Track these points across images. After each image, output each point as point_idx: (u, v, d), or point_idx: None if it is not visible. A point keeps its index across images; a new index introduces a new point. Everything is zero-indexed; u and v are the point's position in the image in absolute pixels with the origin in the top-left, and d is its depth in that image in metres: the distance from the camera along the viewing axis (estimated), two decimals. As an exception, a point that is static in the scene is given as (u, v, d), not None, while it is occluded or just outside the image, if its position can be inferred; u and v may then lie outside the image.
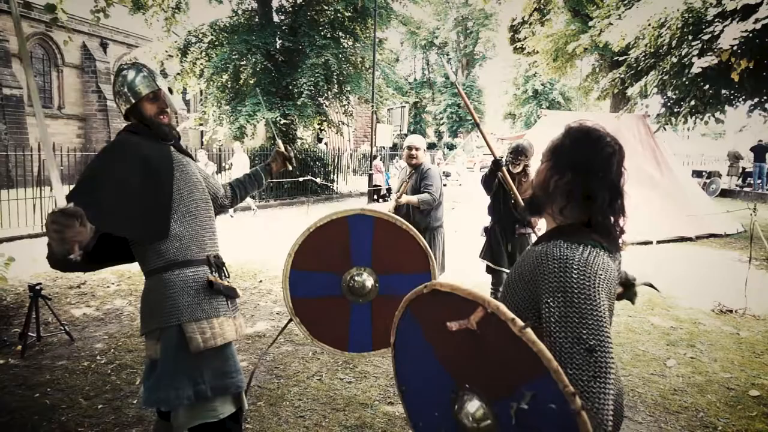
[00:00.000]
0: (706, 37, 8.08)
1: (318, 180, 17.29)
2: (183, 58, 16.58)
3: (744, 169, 20.63)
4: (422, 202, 4.35)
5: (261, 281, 6.62)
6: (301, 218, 12.68)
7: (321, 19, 17.18)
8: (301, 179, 16.12)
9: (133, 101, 2.07)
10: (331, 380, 3.80)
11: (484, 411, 1.23)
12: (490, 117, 44.85)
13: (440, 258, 4.61)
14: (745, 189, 19.02)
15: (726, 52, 7.57)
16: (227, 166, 15.55)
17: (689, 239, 9.77)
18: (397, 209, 4.48)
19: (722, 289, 6.19)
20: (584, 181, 1.33)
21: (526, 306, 1.35)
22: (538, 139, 8.07)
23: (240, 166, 12.92)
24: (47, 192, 10.49)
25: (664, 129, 10.82)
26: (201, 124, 18.12)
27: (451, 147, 39.56)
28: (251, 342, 4.51)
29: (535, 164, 4.80)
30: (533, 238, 4.50)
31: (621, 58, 11.72)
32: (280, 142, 2.66)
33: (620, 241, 1.42)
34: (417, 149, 4.49)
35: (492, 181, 4.40)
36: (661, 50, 9.46)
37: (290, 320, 2.57)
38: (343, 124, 19.57)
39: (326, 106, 18.35)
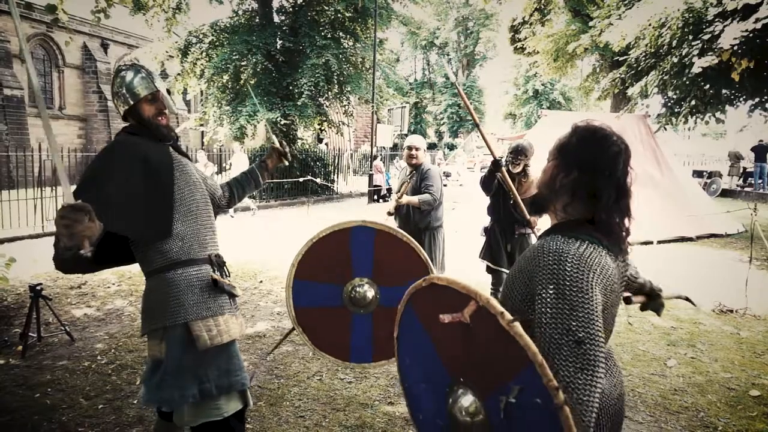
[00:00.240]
0: (706, 37, 8.08)
1: (318, 180, 17.30)
2: (183, 58, 16.58)
3: (745, 169, 20.61)
4: (423, 203, 4.35)
5: (261, 281, 6.62)
6: (302, 219, 12.68)
7: (321, 20, 17.18)
8: (301, 179, 16.13)
9: (132, 102, 2.08)
10: (331, 380, 3.80)
11: (477, 406, 1.24)
12: (491, 117, 44.86)
13: (440, 258, 4.61)
14: (746, 189, 19.00)
15: (726, 52, 7.57)
16: (227, 167, 15.57)
17: (690, 239, 9.77)
18: (398, 209, 4.48)
19: (723, 289, 6.18)
20: (590, 179, 1.35)
21: (524, 300, 1.37)
22: (538, 139, 8.09)
23: (240, 166, 12.94)
24: (48, 192, 10.50)
25: (665, 129, 10.82)
26: (201, 125, 18.13)
27: (451, 147, 39.58)
28: (251, 342, 4.51)
29: (534, 164, 4.82)
30: (533, 239, 4.50)
31: (621, 58, 11.71)
32: (275, 138, 2.65)
33: (625, 243, 1.42)
34: (417, 149, 4.49)
35: (491, 182, 4.40)
36: (661, 50, 9.46)
37: (292, 329, 2.59)
38: (344, 124, 19.57)
39: (326, 106, 18.35)
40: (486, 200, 4.79)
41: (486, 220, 4.85)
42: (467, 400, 1.26)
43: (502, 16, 33.68)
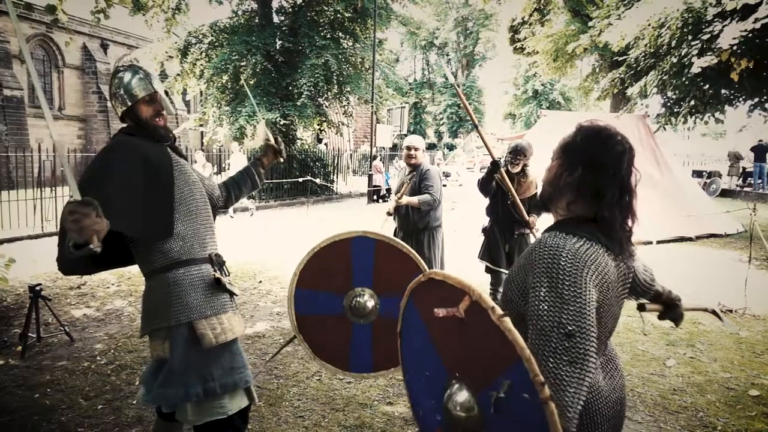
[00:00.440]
0: (705, 37, 8.09)
1: (318, 180, 17.31)
2: (183, 58, 16.59)
3: (744, 169, 20.62)
4: (423, 203, 4.35)
5: (260, 282, 6.62)
6: (301, 219, 12.69)
7: (321, 20, 17.19)
8: (300, 180, 16.13)
9: (130, 103, 2.08)
10: (330, 380, 3.80)
11: (471, 401, 1.25)
12: (491, 117, 44.91)
13: (440, 258, 4.61)
14: (746, 189, 19.01)
15: (726, 52, 7.58)
16: (226, 167, 15.58)
17: (689, 239, 9.77)
18: (397, 209, 4.48)
19: (722, 289, 6.18)
20: (594, 177, 1.36)
21: (521, 295, 1.38)
22: (538, 139, 8.09)
23: (238, 166, 12.85)
24: (47, 193, 10.50)
25: (664, 129, 10.83)
26: (201, 125, 18.13)
27: (451, 147, 39.60)
28: (251, 342, 4.51)
29: (533, 164, 4.82)
30: (531, 239, 4.51)
31: (621, 59, 11.73)
32: (270, 135, 2.62)
33: (627, 243, 1.42)
34: (416, 149, 4.50)
35: (489, 183, 4.40)
36: (660, 50, 9.47)
37: (294, 337, 2.62)
38: (343, 124, 19.57)
39: (326, 106, 18.36)
40: (485, 200, 4.80)
41: (485, 221, 4.86)
42: (462, 395, 1.27)
43: (502, 17, 33.80)
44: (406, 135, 23.32)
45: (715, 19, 8.09)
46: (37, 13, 18.46)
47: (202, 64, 16.50)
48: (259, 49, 15.76)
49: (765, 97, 9.70)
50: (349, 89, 17.80)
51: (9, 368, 3.95)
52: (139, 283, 6.06)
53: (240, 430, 2.13)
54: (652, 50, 9.67)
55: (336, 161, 20.71)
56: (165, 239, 2.01)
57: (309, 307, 2.53)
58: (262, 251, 8.48)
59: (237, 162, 13.17)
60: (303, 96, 15.71)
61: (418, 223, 4.46)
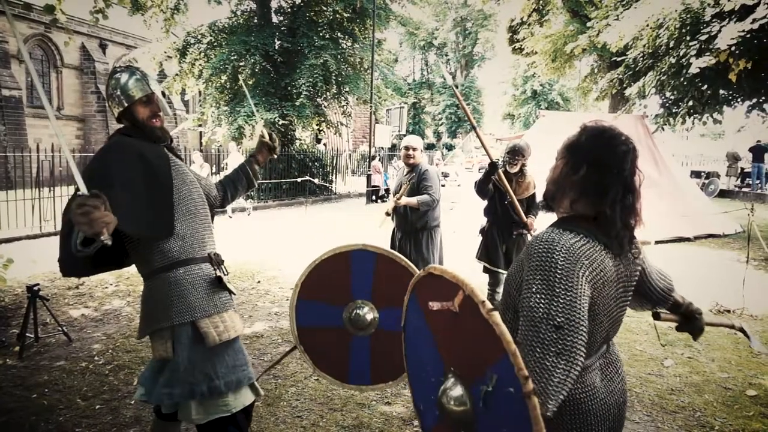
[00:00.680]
0: (703, 38, 8.10)
1: (316, 181, 17.31)
2: (182, 58, 16.58)
3: (743, 169, 20.65)
4: (422, 204, 4.36)
5: (259, 282, 6.62)
6: (300, 219, 12.69)
7: (320, 20, 17.19)
8: (299, 180, 16.13)
9: (126, 104, 2.08)
10: (328, 380, 3.80)
11: (464, 395, 1.26)
12: (489, 117, 44.92)
13: (438, 258, 4.62)
14: (744, 189, 19.04)
15: (724, 53, 7.59)
16: (225, 167, 15.58)
17: (687, 239, 9.78)
18: (395, 209, 4.49)
19: (720, 289, 6.19)
20: (599, 176, 1.38)
21: (518, 289, 1.39)
22: (536, 140, 8.09)
23: (235, 166, 12.92)
24: (46, 193, 10.49)
25: (662, 129, 10.85)
26: (200, 125, 18.12)
27: (449, 148, 39.63)
28: (249, 342, 4.51)
29: (531, 164, 4.82)
30: (529, 239, 4.51)
31: (619, 59, 11.75)
32: (265, 130, 2.61)
33: (628, 243, 1.43)
34: (414, 149, 4.50)
35: (486, 185, 4.40)
36: (659, 51, 9.48)
37: (294, 348, 2.64)
38: (342, 124, 19.58)
39: (325, 106, 18.36)
40: (483, 201, 4.80)
41: (483, 221, 4.86)
42: (456, 390, 1.29)
43: (501, 17, 33.82)
44: (404, 135, 23.34)
45: (713, 20, 8.10)
46: (36, 13, 18.42)
47: (200, 64, 16.50)
48: (258, 49, 15.76)
49: (763, 98, 9.72)
50: (347, 89, 17.80)
51: (7, 368, 3.95)
52: (137, 283, 6.06)
53: (242, 428, 2.14)
54: (650, 51, 9.69)
55: (335, 161, 20.71)
56: (166, 238, 2.02)
57: (310, 318, 2.56)
58: (260, 251, 8.48)
59: (234, 162, 13.17)
60: (302, 96, 15.71)
61: (416, 223, 4.47)
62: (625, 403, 1.56)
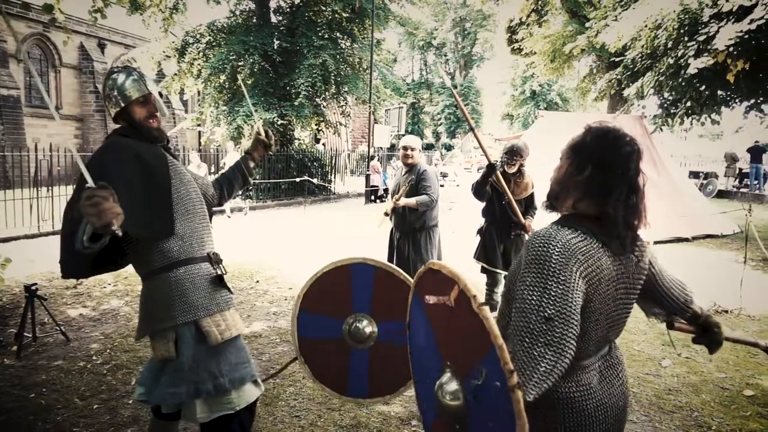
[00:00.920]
0: (701, 38, 8.12)
1: (315, 181, 17.30)
2: (180, 58, 16.58)
3: (741, 170, 20.69)
4: (421, 204, 4.37)
5: (257, 281, 6.62)
6: (298, 219, 12.68)
7: (318, 20, 17.19)
8: (298, 180, 16.13)
9: (123, 105, 2.08)
10: (327, 380, 3.80)
11: (458, 390, 1.28)
12: (488, 118, 44.95)
13: (436, 257, 4.62)
14: (742, 190, 19.07)
15: (722, 53, 7.61)
16: (223, 166, 15.57)
17: (686, 240, 9.79)
18: (394, 209, 4.50)
19: (719, 289, 6.20)
20: (604, 177, 1.39)
21: (515, 283, 1.40)
22: (535, 140, 8.08)
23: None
24: (44, 193, 10.48)
25: (661, 130, 10.87)
26: (198, 125, 18.10)
27: (448, 148, 39.65)
28: (247, 342, 4.51)
29: (530, 164, 4.82)
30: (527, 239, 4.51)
31: (618, 59, 11.77)
32: (261, 128, 2.59)
33: (630, 243, 1.43)
34: (413, 149, 4.51)
35: (484, 187, 4.40)
36: (657, 51, 9.50)
37: (295, 358, 2.66)
38: (341, 124, 19.58)
39: (324, 106, 18.36)
40: (481, 203, 4.80)
41: (481, 221, 4.86)
42: (451, 384, 1.31)
43: (500, 17, 33.89)
44: (403, 135, 23.33)
45: (711, 21, 8.12)
46: (34, 12, 18.39)
47: (199, 64, 16.49)
48: (257, 49, 15.76)
49: (761, 99, 9.74)
50: (346, 89, 17.81)
51: (5, 368, 3.94)
52: (135, 282, 6.06)
53: (245, 425, 2.15)
54: (648, 51, 9.71)
55: (333, 161, 20.71)
56: (166, 238, 2.02)
57: (311, 330, 2.59)
58: (259, 251, 8.48)
59: (232, 162, 13.16)
60: (300, 96, 15.71)
61: (414, 223, 4.47)
62: (626, 408, 1.55)
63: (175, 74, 16.96)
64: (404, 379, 2.50)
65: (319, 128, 19.00)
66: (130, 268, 2.16)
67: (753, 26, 7.24)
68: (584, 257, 1.33)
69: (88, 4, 7.82)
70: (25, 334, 4.27)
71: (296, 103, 15.88)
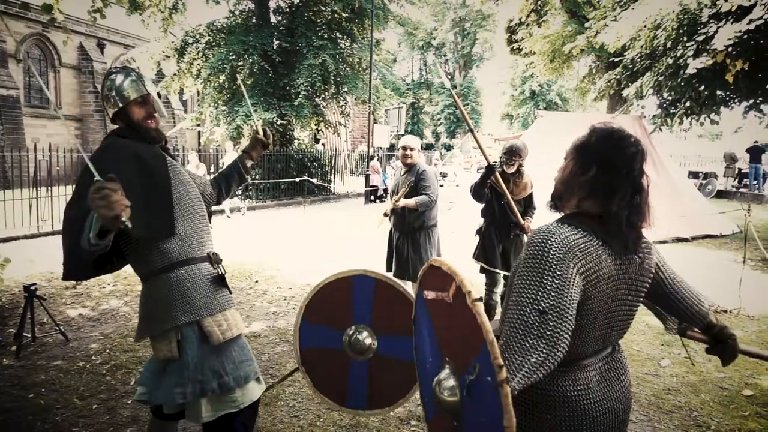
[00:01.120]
0: (700, 38, 8.13)
1: (315, 180, 17.29)
2: (180, 58, 16.57)
3: (740, 170, 20.70)
4: (420, 204, 4.39)
5: (257, 281, 6.62)
6: (298, 219, 12.68)
7: (318, 20, 17.19)
8: (297, 180, 16.12)
9: (121, 105, 2.08)
10: (326, 380, 3.80)
11: (455, 385, 1.30)
12: (488, 118, 44.95)
13: (436, 256, 4.62)
14: (741, 190, 19.08)
15: (721, 54, 7.62)
16: (222, 166, 15.57)
17: (685, 240, 9.80)
18: (393, 209, 4.51)
19: (718, 289, 6.20)
20: (609, 177, 1.40)
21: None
22: (535, 140, 8.08)
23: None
24: (43, 192, 10.47)
25: (660, 130, 10.88)
26: (198, 125, 18.10)
27: (448, 148, 39.65)
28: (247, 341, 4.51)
29: (530, 164, 4.82)
30: (525, 239, 4.52)
31: (617, 60, 11.77)
32: (259, 127, 2.59)
33: (633, 243, 1.43)
34: (412, 149, 4.53)
35: (482, 189, 4.40)
36: (656, 51, 9.51)
37: (296, 369, 2.70)
38: (340, 124, 19.57)
39: (323, 106, 18.36)
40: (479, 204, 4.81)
41: (480, 221, 4.86)
42: (448, 380, 1.32)
43: (499, 17, 33.90)
44: (403, 135, 23.32)
45: (710, 21, 8.13)
46: (34, 12, 18.39)
47: (199, 64, 16.48)
48: (257, 48, 15.76)
49: (760, 99, 9.75)
50: (346, 89, 17.81)
51: (4, 368, 3.94)
52: (135, 282, 6.06)
53: (248, 423, 2.16)
54: (648, 51, 9.72)
55: (333, 161, 20.71)
56: (167, 238, 2.02)
57: (312, 340, 2.62)
58: (258, 251, 8.48)
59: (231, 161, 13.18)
60: (300, 96, 15.71)
61: (413, 223, 4.48)
62: (627, 412, 1.54)
63: (175, 74, 16.96)
64: (403, 392, 2.54)
65: (319, 128, 19.01)
66: (129, 268, 2.15)
67: (752, 26, 7.25)
68: (582, 254, 1.34)
69: (87, 4, 7.82)
70: (24, 334, 4.27)
71: (296, 103, 15.88)
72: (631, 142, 1.43)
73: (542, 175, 5.79)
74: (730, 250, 9.08)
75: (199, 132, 22.62)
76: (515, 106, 38.72)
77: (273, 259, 7.82)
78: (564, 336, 1.26)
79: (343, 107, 19.07)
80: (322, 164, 19.45)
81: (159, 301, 2.02)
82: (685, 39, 8.63)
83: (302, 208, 14.00)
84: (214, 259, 2.16)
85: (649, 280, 1.53)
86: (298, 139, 19.47)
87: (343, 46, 17.92)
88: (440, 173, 21.07)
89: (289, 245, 9.11)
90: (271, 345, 4.48)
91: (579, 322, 1.36)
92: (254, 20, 17.33)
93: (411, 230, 4.51)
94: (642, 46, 9.73)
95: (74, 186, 2.10)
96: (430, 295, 1.40)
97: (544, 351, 1.23)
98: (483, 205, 4.71)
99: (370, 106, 17.72)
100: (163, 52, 16.56)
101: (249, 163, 2.60)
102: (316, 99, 17.66)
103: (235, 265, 7.27)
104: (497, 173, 4.12)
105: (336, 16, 17.22)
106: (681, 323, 1.72)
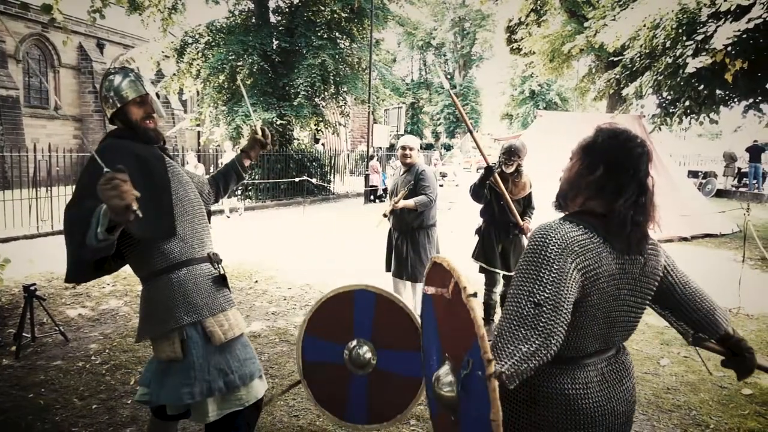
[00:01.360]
0: (699, 38, 8.13)
1: (314, 180, 17.29)
2: (179, 58, 16.57)
3: (740, 169, 20.70)
4: (419, 205, 4.40)
5: (256, 281, 6.62)
6: (298, 219, 12.68)
7: (317, 20, 17.19)
8: (297, 180, 16.12)
9: (119, 105, 2.07)
10: (325, 380, 3.80)
11: (452, 381, 1.31)
12: (488, 117, 44.92)
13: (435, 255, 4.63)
14: (741, 189, 19.08)
15: (720, 53, 7.62)
16: (220, 166, 15.58)
17: (685, 239, 9.81)
18: (393, 210, 4.52)
19: (718, 288, 6.15)
20: (615, 177, 1.41)
21: None
22: (534, 140, 8.07)
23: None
24: (43, 193, 10.47)
25: (659, 129, 10.88)
26: (198, 125, 18.10)
27: (448, 147, 39.62)
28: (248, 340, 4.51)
29: (529, 164, 4.82)
30: (524, 240, 4.52)
31: (617, 59, 11.78)
32: (258, 127, 2.58)
33: (636, 242, 1.43)
34: (411, 149, 4.54)
35: (482, 190, 4.40)
36: (656, 51, 9.51)
37: (298, 381, 2.73)
38: (340, 124, 19.57)
39: (323, 106, 18.36)
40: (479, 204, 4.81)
41: (480, 221, 4.86)
42: (446, 376, 1.34)
43: (499, 17, 33.83)
44: (403, 135, 23.30)
45: (709, 20, 8.14)
46: (33, 12, 18.38)
47: (198, 64, 16.48)
48: (256, 48, 15.75)
49: (759, 98, 9.75)
50: (345, 89, 17.81)
51: (3, 368, 3.94)
52: (134, 283, 6.06)
53: (250, 421, 2.16)
54: (647, 51, 9.72)
55: (333, 161, 20.72)
56: (168, 239, 2.01)
57: (314, 353, 2.65)
58: (258, 251, 8.48)
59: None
60: (300, 96, 15.71)
61: (412, 223, 4.49)
62: (629, 416, 1.54)
63: (174, 74, 16.96)
64: (401, 407, 2.57)
65: (318, 128, 19.01)
66: (128, 268, 2.15)
67: (751, 25, 7.25)
68: (582, 250, 1.35)
69: (86, 4, 7.84)
70: (23, 334, 4.27)
71: (295, 103, 15.88)
72: (638, 143, 1.45)
73: (542, 174, 5.79)
74: (730, 250, 9.08)
75: (198, 132, 22.63)
76: (515, 105, 38.69)
77: (272, 259, 7.82)
78: (557, 329, 1.28)
79: (343, 107, 19.07)
80: (322, 164, 19.45)
81: (160, 302, 2.01)
82: (684, 38, 8.63)
83: (302, 208, 14.00)
84: (214, 260, 2.16)
85: (656, 284, 1.52)
86: (298, 139, 19.47)
87: (342, 46, 17.92)
88: (440, 173, 21.08)
89: (288, 245, 9.11)
90: (271, 345, 4.48)
91: (578, 318, 1.37)
92: (254, 20, 17.33)
93: (410, 230, 4.52)
94: (641, 46, 9.73)
95: (74, 186, 2.09)
96: (430, 290, 1.42)
97: (537, 341, 1.24)
98: (483, 204, 4.71)
99: (369, 106, 17.72)
100: (163, 52, 16.56)
101: (247, 163, 2.59)
102: (316, 99, 17.66)
103: (235, 265, 7.27)
104: (496, 174, 4.12)
105: (335, 16, 17.22)
106: (696, 333, 1.66)
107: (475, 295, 1.18)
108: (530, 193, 4.66)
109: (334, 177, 20.27)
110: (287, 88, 16.32)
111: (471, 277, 5.63)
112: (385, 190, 17.10)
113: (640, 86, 9.86)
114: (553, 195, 1.57)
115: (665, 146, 12.90)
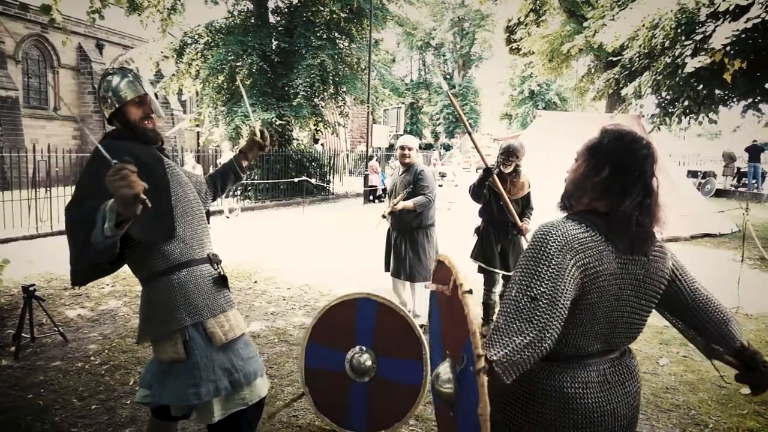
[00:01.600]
0: (698, 38, 8.14)
1: (314, 181, 17.29)
2: (179, 59, 16.56)
3: (739, 169, 20.71)
4: (418, 205, 4.41)
5: (256, 282, 6.62)
6: (297, 219, 12.68)
7: (317, 20, 17.19)
8: (296, 180, 16.12)
9: (118, 105, 2.06)
10: (325, 380, 3.80)
11: (450, 377, 1.33)
12: (487, 118, 44.94)
13: (434, 255, 4.63)
14: (740, 189, 19.10)
15: (719, 53, 7.62)
16: (218, 166, 15.57)
17: (684, 239, 9.81)
18: (392, 212, 4.53)
19: (717, 288, 6.13)
20: (621, 178, 1.42)
21: None
22: (534, 140, 8.07)
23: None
24: (42, 193, 10.47)
25: (659, 129, 10.89)
26: (197, 125, 18.09)
27: (447, 148, 39.61)
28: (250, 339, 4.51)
29: (528, 164, 4.82)
30: (523, 240, 4.53)
31: (616, 59, 11.79)
32: (256, 127, 2.56)
33: (642, 246, 1.43)
34: (410, 149, 4.55)
35: (481, 190, 4.41)
36: (654, 51, 9.52)
37: (301, 395, 2.79)
38: (339, 125, 19.57)
39: (322, 107, 18.36)
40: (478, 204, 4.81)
41: (479, 221, 4.87)
42: (445, 372, 1.36)
43: (498, 17, 33.74)
44: (402, 135, 23.28)
45: (708, 20, 8.14)
46: (32, 13, 18.36)
47: (197, 65, 16.48)
48: (255, 49, 15.75)
49: (758, 98, 9.76)
50: (345, 89, 17.82)
51: (2, 369, 3.94)
52: (134, 283, 6.06)
53: (252, 420, 2.16)
54: (646, 51, 9.73)
55: (332, 161, 20.71)
56: (168, 240, 2.01)
57: (316, 361, 2.68)
58: (257, 252, 8.48)
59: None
60: (299, 96, 15.72)
61: (411, 223, 4.50)
62: (632, 420, 1.52)
63: (174, 75, 16.95)
64: (400, 415, 2.58)
65: (318, 128, 19.01)
66: (128, 268, 2.15)
67: (749, 25, 7.25)
68: (582, 247, 1.36)
69: (86, 4, 7.84)
70: (23, 334, 4.27)
71: (294, 104, 15.89)
72: (644, 145, 1.45)
73: (542, 174, 5.80)
74: (729, 249, 9.09)
75: (197, 132, 22.62)
76: (514, 105, 38.70)
77: (272, 260, 7.82)
78: (553, 323, 1.28)
79: (342, 107, 19.07)
80: (321, 164, 19.45)
81: (161, 304, 2.01)
82: (683, 38, 8.64)
83: (301, 209, 14.00)
84: (214, 260, 2.15)
85: (662, 287, 1.49)
86: (297, 140, 19.47)
87: (341, 47, 17.93)
88: (439, 173, 21.07)
89: (288, 245, 9.11)
90: (270, 345, 4.48)
91: (578, 316, 1.37)
92: (253, 21, 17.32)
93: (409, 229, 4.53)
94: (640, 46, 9.74)
95: (74, 187, 2.09)
96: (431, 287, 1.45)
97: (531, 334, 1.26)
98: (481, 204, 4.71)
99: (368, 106, 17.73)
100: (162, 52, 16.56)
101: (245, 164, 2.59)
102: (315, 99, 17.66)
103: (234, 265, 7.27)
104: (495, 175, 4.13)
105: (334, 16, 17.22)
106: (709, 344, 1.61)
107: (470, 291, 1.20)
108: (529, 193, 4.67)
109: (333, 177, 20.27)
110: (286, 88, 16.32)
111: (470, 277, 5.64)
112: (384, 190, 17.10)
113: (639, 86, 9.86)
114: (553, 195, 1.58)
115: (664, 146, 12.92)
